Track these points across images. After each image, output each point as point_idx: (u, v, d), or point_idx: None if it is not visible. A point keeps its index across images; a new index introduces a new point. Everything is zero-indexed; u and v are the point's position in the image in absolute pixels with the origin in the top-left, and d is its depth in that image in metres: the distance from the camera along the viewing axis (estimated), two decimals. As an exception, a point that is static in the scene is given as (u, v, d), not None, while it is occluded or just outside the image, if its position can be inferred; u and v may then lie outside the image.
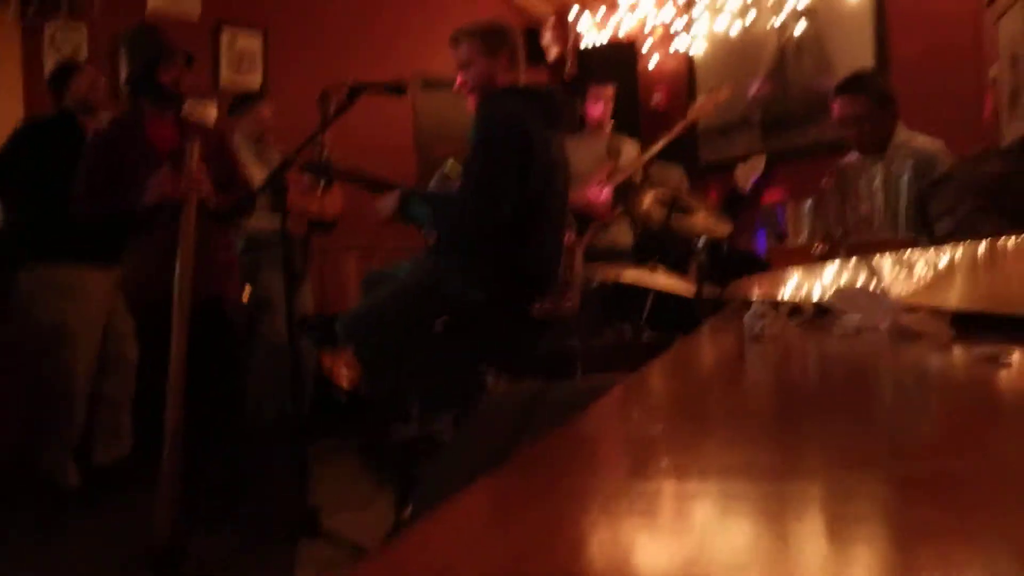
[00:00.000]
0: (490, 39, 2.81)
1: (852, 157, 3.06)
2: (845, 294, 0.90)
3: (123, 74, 3.26)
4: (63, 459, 3.45)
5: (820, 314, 1.00)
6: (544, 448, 0.40)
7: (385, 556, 0.28)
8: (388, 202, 2.79)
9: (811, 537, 0.27)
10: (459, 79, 2.87)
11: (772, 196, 4.61)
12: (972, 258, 1.15)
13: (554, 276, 2.99)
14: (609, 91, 4.57)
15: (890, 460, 0.39)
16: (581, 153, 4.60)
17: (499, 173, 2.62)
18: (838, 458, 0.39)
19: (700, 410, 0.55)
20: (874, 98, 2.91)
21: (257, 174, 4.08)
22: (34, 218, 3.46)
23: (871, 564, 0.25)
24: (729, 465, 0.37)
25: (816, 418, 0.50)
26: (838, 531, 0.28)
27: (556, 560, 0.24)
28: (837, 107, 2.96)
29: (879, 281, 1.09)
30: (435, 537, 0.29)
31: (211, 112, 4.95)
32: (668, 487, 0.33)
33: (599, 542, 0.26)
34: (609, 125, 4.66)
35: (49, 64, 4.42)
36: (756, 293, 1.32)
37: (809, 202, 1.77)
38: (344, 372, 4.64)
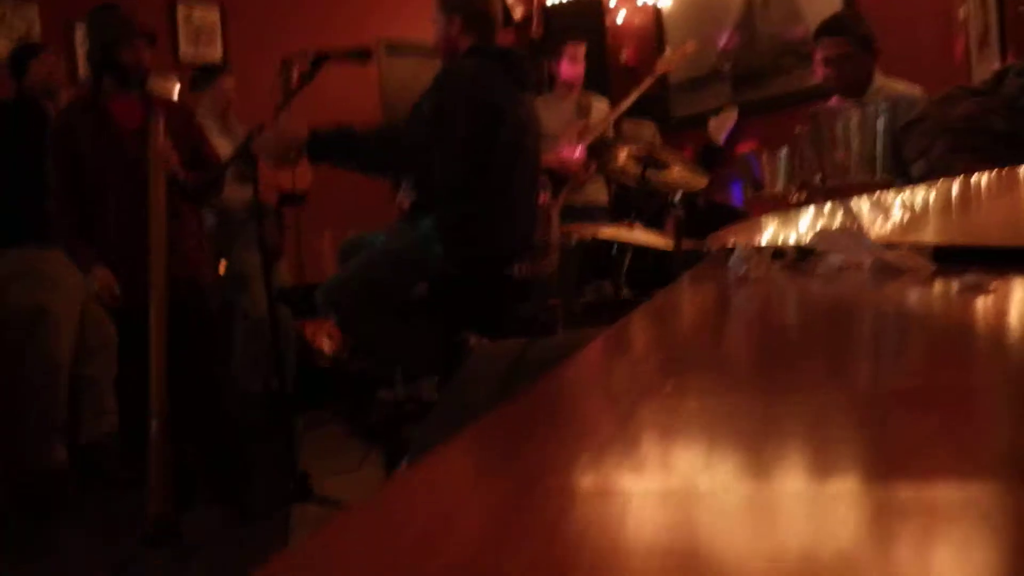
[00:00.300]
0: (446, 0, 2.81)
1: (831, 102, 3.07)
2: (826, 235, 0.91)
3: (82, 54, 3.22)
4: (49, 440, 3.43)
5: (802, 256, 1.00)
6: (526, 400, 0.40)
7: (373, 505, 0.28)
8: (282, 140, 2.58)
9: (793, 467, 0.28)
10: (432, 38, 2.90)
11: (745, 147, 4.61)
12: (946, 197, 1.16)
13: (530, 238, 2.99)
14: (581, 50, 4.54)
15: (877, 380, 0.40)
16: (551, 113, 4.58)
17: (452, 127, 2.62)
18: (824, 388, 0.40)
19: (691, 352, 0.55)
20: (855, 39, 2.92)
21: (222, 148, 4.02)
22: (2, 203, 3.41)
23: (854, 487, 0.25)
24: (716, 407, 0.37)
25: (805, 353, 0.51)
26: (822, 454, 0.28)
27: (541, 509, 0.25)
28: (819, 49, 2.98)
29: (858, 224, 1.09)
30: (421, 487, 0.29)
31: (173, 87, 4.87)
32: (652, 432, 0.33)
33: (583, 490, 0.26)
34: (579, 84, 4.64)
35: (2, 46, 4.33)
36: (737, 241, 1.33)
37: (784, 150, 1.78)
38: (326, 341, 4.64)
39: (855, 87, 2.88)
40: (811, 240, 0.95)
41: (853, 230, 0.90)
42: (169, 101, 3.46)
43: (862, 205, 1.20)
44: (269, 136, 2.54)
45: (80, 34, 4.62)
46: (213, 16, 5.18)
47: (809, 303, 0.79)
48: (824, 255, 0.89)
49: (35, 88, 3.51)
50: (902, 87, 2.93)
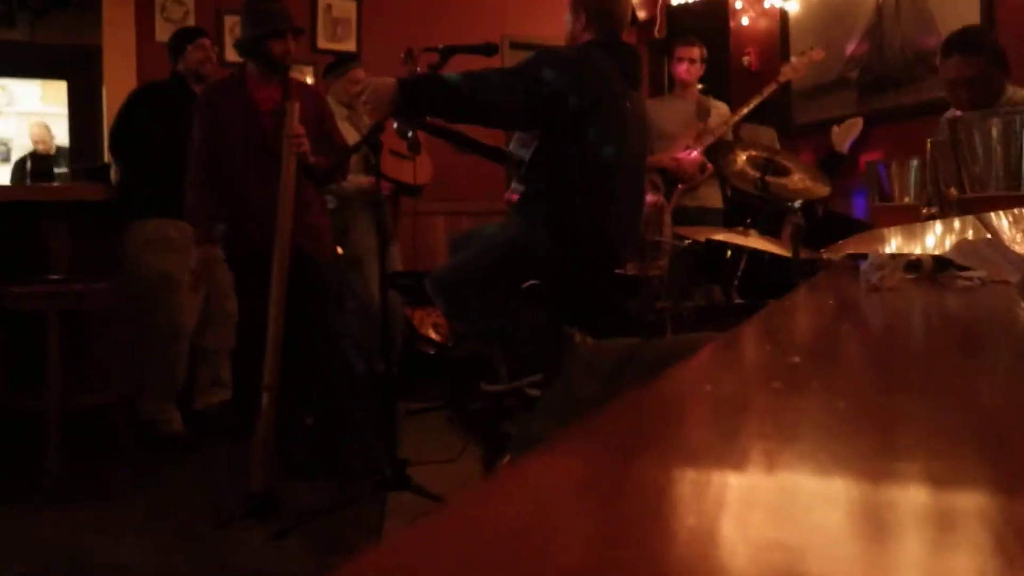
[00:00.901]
0: (574, 0, 2.87)
1: (955, 114, 2.92)
2: (967, 247, 0.87)
3: (230, 41, 3.40)
4: (167, 406, 3.62)
5: (940, 268, 0.97)
6: (635, 400, 0.39)
7: (472, 500, 0.27)
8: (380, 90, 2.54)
9: (912, 482, 0.26)
10: None
11: (871, 157, 4.45)
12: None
13: (637, 232, 2.98)
14: (695, 51, 4.47)
15: (1012, 399, 0.38)
16: (669, 113, 4.54)
17: (535, 70, 2.62)
18: (952, 400, 0.38)
19: (815, 361, 0.54)
20: (989, 57, 2.76)
21: (348, 134, 4.15)
22: (145, 176, 3.63)
23: (972, 501, 0.23)
24: (833, 415, 0.36)
25: (938, 365, 0.50)
26: (938, 466, 0.27)
27: (649, 513, 0.24)
28: (950, 67, 2.80)
29: (997, 238, 1.05)
30: (524, 484, 0.28)
31: (308, 77, 5.06)
32: (764, 439, 0.32)
33: (682, 502, 0.25)
34: (697, 86, 4.57)
35: (160, 32, 4.61)
36: (862, 251, 1.29)
37: (916, 160, 1.71)
38: (432, 329, 4.72)
39: (985, 105, 2.71)
40: (950, 252, 0.91)
41: (996, 243, 0.86)
42: (305, 86, 3.61)
43: (1002, 220, 1.14)
44: (365, 84, 2.60)
45: (230, 22, 4.86)
46: (351, 9, 5.37)
47: (946, 316, 0.76)
48: (964, 268, 0.86)
49: (188, 72, 3.73)
50: None
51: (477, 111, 2.59)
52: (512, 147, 3.01)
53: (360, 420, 3.38)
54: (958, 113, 2.95)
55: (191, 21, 4.74)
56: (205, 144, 3.08)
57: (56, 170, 5.07)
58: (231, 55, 4.72)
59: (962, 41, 2.82)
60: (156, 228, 3.58)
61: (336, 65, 4.43)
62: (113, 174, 3.86)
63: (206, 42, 3.79)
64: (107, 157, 3.92)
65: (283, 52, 3.14)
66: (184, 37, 3.80)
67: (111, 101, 4.38)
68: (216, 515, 2.62)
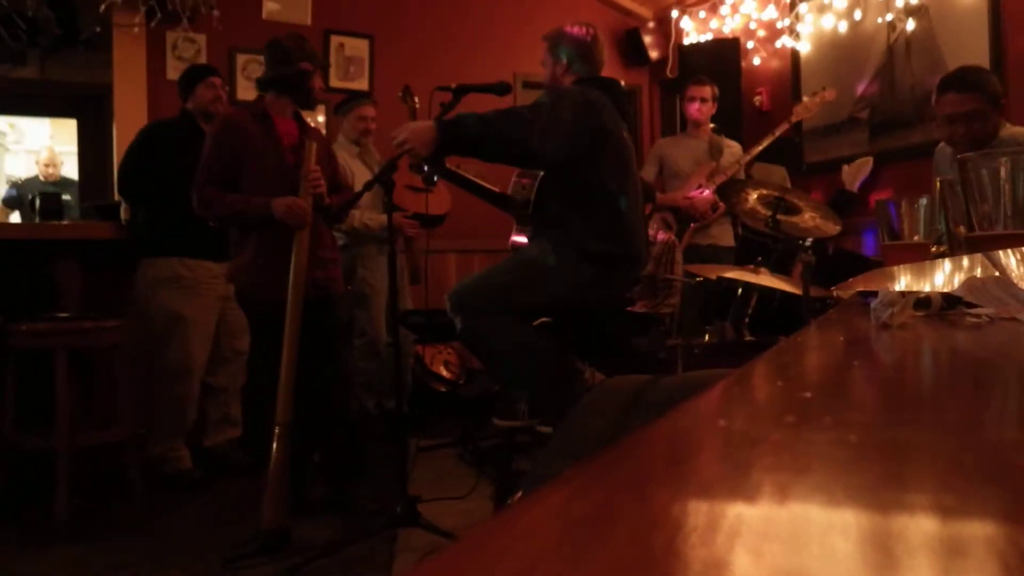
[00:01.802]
0: (554, 42, 2.99)
1: (946, 147, 2.96)
2: (975, 284, 0.88)
3: (242, 80, 3.39)
4: (177, 444, 3.62)
5: (950, 306, 0.97)
6: (647, 436, 0.39)
7: (482, 537, 0.26)
8: (420, 132, 2.60)
9: (920, 511, 0.26)
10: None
11: (881, 196, 4.47)
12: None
13: (643, 253, 3.02)
14: (706, 91, 4.52)
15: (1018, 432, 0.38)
16: (682, 152, 4.58)
17: (559, 108, 2.68)
18: (960, 435, 0.39)
19: (825, 397, 0.55)
20: (986, 96, 2.80)
21: (357, 171, 4.20)
22: (156, 214, 3.65)
23: (980, 532, 0.23)
24: (844, 451, 0.36)
25: (947, 402, 0.50)
26: (948, 497, 0.27)
27: (660, 552, 0.24)
28: (946, 103, 2.85)
29: (1005, 276, 1.05)
30: (534, 521, 0.28)
31: (320, 116, 5.12)
32: (777, 475, 0.32)
33: (696, 534, 0.25)
34: (709, 125, 4.61)
35: (171, 71, 4.66)
36: (872, 288, 1.29)
37: (925, 198, 1.72)
38: (443, 367, 4.72)
39: (980, 143, 2.74)
40: (959, 289, 0.92)
41: (1004, 280, 0.87)
42: (316, 129, 3.64)
43: (1010, 258, 1.15)
44: (402, 128, 2.65)
45: (242, 61, 4.93)
46: (363, 48, 5.42)
47: (955, 352, 0.77)
48: (973, 305, 0.86)
49: (198, 110, 3.76)
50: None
51: (511, 149, 2.66)
52: (512, 190, 3.06)
53: (370, 457, 3.37)
54: (947, 148, 2.98)
55: (203, 59, 4.77)
56: (224, 165, 3.01)
57: (64, 197, 5.09)
58: (243, 93, 4.80)
59: (959, 79, 2.88)
60: (166, 266, 3.60)
61: (346, 102, 4.49)
62: (123, 212, 3.89)
63: (217, 80, 3.80)
64: (117, 196, 3.94)
65: (319, 87, 3.19)
66: (194, 75, 3.81)
67: (121, 139, 4.41)
68: (226, 553, 2.61)
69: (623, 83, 3.15)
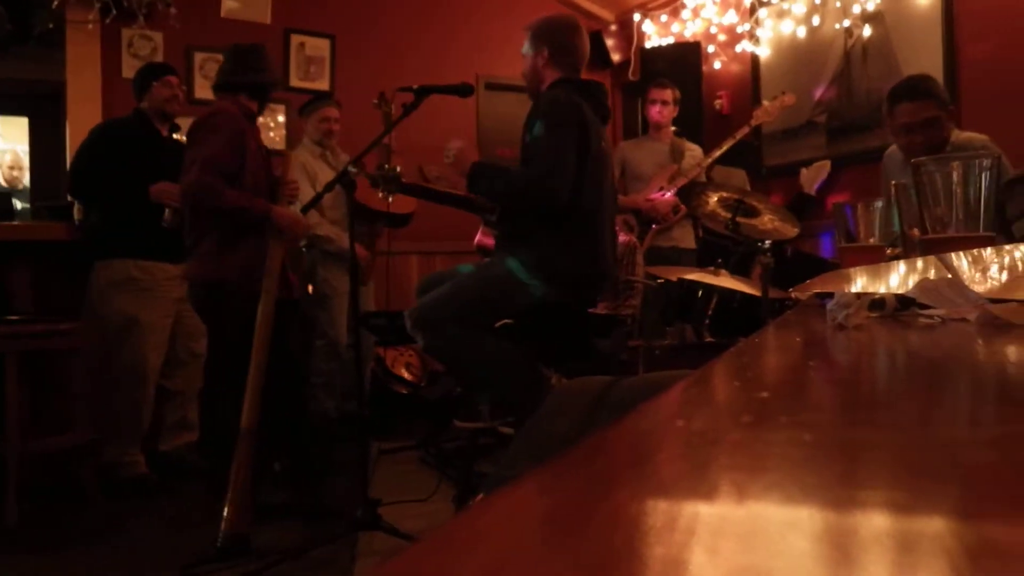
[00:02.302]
0: (535, 34, 2.95)
1: (895, 151, 3.00)
2: (928, 286, 0.90)
3: (199, 79, 3.34)
4: (132, 449, 3.56)
5: (903, 307, 0.99)
6: (607, 437, 0.39)
7: (441, 538, 0.26)
8: (463, 162, 2.82)
9: (874, 506, 0.27)
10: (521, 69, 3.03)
11: (838, 199, 4.54)
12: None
13: (613, 268, 3.01)
14: (667, 93, 4.55)
15: (978, 428, 0.39)
16: (644, 155, 4.61)
17: (564, 150, 2.68)
18: (914, 431, 0.39)
19: (782, 396, 0.55)
20: (939, 102, 2.84)
21: (318, 174, 4.17)
22: (109, 216, 3.58)
23: (934, 527, 0.24)
24: (800, 448, 0.36)
25: (901, 400, 0.51)
26: (902, 492, 0.28)
27: (619, 551, 0.24)
28: (901, 113, 2.87)
29: (957, 278, 1.07)
30: (494, 522, 0.28)
31: (280, 116, 5.07)
32: (735, 473, 0.32)
33: (653, 533, 0.25)
34: (671, 128, 4.65)
35: (127, 69, 4.58)
36: (829, 289, 1.31)
37: (881, 201, 1.75)
38: (405, 369, 4.70)
39: (934, 149, 2.78)
40: (912, 291, 0.93)
41: (956, 282, 0.89)
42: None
43: (961, 260, 1.17)
44: (459, 150, 2.81)
45: (199, 59, 4.86)
46: (324, 47, 5.37)
47: (908, 353, 0.78)
48: (926, 306, 0.88)
49: (153, 109, 3.69)
50: (973, 136, 2.85)
51: (528, 204, 2.71)
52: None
53: (331, 460, 3.34)
54: (897, 153, 3.02)
55: (159, 58, 4.69)
56: (239, 161, 2.98)
57: (15, 201, 4.99)
58: (200, 92, 4.73)
59: (911, 88, 2.90)
60: (121, 269, 3.54)
61: (309, 104, 4.45)
62: (76, 213, 3.81)
63: (173, 79, 3.74)
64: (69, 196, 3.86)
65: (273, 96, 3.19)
66: (150, 74, 3.74)
67: (74, 138, 4.31)
68: (184, 560, 2.57)
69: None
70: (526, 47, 2.97)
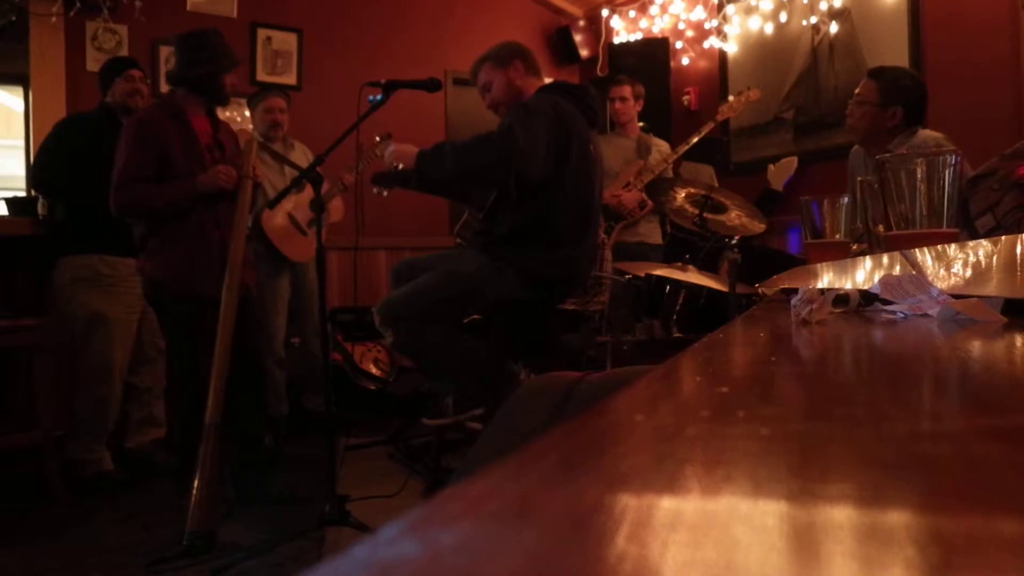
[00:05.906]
0: (498, 54, 2.94)
1: (860, 149, 3.05)
2: (891, 282, 0.90)
3: (164, 73, 3.29)
4: (98, 446, 3.52)
5: (866, 302, 1.00)
6: (571, 430, 0.39)
7: (396, 531, 0.26)
8: (404, 156, 2.75)
9: (839, 497, 0.27)
10: (487, 104, 2.97)
11: (805, 195, 4.59)
12: (1011, 253, 1.14)
13: (589, 273, 3.02)
14: (625, 90, 4.56)
15: (941, 420, 0.40)
16: (611, 150, 4.62)
17: (531, 125, 2.64)
18: (878, 424, 0.40)
19: (745, 389, 0.56)
20: (883, 92, 2.87)
21: (259, 167, 4.10)
22: (74, 210, 3.53)
23: (900, 518, 0.24)
24: (763, 438, 0.37)
25: (863, 393, 0.51)
26: (868, 486, 0.28)
27: (569, 539, 0.24)
28: (859, 86, 2.95)
29: (920, 274, 1.09)
30: (459, 513, 0.28)
31: (245, 110, 5.01)
32: (698, 464, 0.32)
33: (610, 524, 0.25)
34: (637, 123, 4.66)
35: (91, 63, 4.51)
36: (794, 285, 1.32)
37: (846, 198, 1.77)
38: (373, 365, 4.68)
39: (867, 138, 2.85)
40: (875, 286, 0.94)
41: (918, 278, 0.90)
42: (228, 125, 3.54)
43: (925, 256, 1.19)
44: (392, 148, 2.73)
45: (165, 53, 4.79)
46: (291, 41, 5.32)
47: (870, 348, 0.79)
48: (889, 302, 0.89)
49: (116, 104, 3.64)
50: (928, 138, 2.89)
51: (489, 173, 2.66)
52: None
53: (297, 456, 3.32)
54: (860, 149, 3.07)
55: (124, 51, 4.62)
56: (152, 162, 2.92)
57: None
58: (166, 87, 4.66)
59: (878, 69, 2.96)
60: (86, 264, 3.49)
61: (254, 96, 4.39)
62: (40, 208, 3.76)
63: (136, 73, 3.69)
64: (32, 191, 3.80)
65: (233, 84, 3.10)
66: (113, 68, 3.70)
67: (38, 133, 4.24)
68: (150, 556, 2.54)
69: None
70: (487, 75, 2.92)
